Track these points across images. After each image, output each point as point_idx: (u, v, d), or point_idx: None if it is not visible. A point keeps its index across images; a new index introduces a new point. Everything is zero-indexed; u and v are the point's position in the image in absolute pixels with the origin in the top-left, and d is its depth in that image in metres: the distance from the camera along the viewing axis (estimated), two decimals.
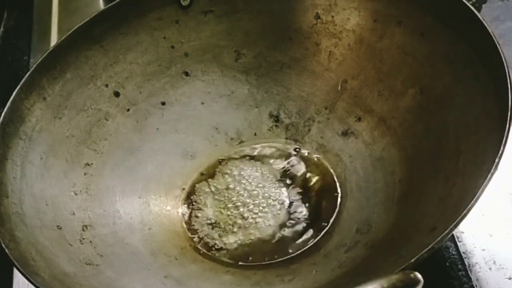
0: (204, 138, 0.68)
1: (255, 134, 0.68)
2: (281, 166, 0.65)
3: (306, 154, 0.65)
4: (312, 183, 0.62)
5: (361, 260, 0.53)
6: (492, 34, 0.50)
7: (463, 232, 0.58)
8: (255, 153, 0.67)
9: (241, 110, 0.68)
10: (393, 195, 0.56)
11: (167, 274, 0.56)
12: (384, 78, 0.61)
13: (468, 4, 0.52)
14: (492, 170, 0.42)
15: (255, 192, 0.63)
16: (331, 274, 0.53)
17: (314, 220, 0.59)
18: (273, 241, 0.59)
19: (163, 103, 0.67)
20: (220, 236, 0.61)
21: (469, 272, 0.55)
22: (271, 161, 0.65)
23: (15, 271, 0.64)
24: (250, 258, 0.58)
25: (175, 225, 0.62)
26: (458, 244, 0.57)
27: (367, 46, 0.63)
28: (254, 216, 0.61)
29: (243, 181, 0.64)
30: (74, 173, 0.60)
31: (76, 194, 0.59)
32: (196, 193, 0.65)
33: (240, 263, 0.58)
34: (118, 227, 0.60)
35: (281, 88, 0.67)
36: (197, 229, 0.62)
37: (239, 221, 0.61)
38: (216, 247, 0.60)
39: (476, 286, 0.55)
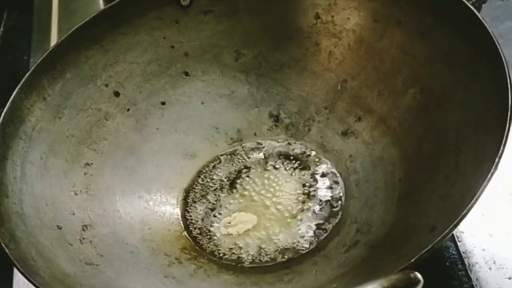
0: (204, 138, 0.68)
1: (255, 134, 0.68)
2: (283, 167, 0.65)
3: (307, 154, 0.65)
4: (312, 182, 0.63)
5: (361, 260, 0.53)
6: (492, 34, 0.50)
7: (463, 232, 0.58)
8: (255, 153, 0.67)
9: (241, 110, 0.68)
10: (393, 194, 0.56)
11: (167, 274, 0.57)
12: (384, 78, 0.61)
13: (468, 4, 0.52)
14: (492, 170, 0.42)
15: (255, 191, 0.63)
16: (331, 274, 0.53)
17: (315, 220, 0.59)
18: (274, 241, 0.59)
19: (163, 103, 0.67)
20: (220, 235, 0.60)
21: (469, 272, 0.55)
22: (272, 161, 0.65)
23: (15, 271, 0.64)
24: (250, 258, 0.58)
25: (175, 225, 0.63)
26: (458, 244, 0.57)
27: (367, 46, 0.63)
28: (255, 215, 0.61)
29: (243, 181, 0.64)
30: (74, 173, 0.60)
31: (76, 194, 0.59)
32: (196, 193, 0.65)
33: (240, 263, 0.58)
34: (118, 227, 0.60)
35: (281, 88, 0.67)
36: (197, 229, 0.62)
37: (239, 221, 0.61)
38: (216, 246, 0.60)
39: (476, 286, 0.55)
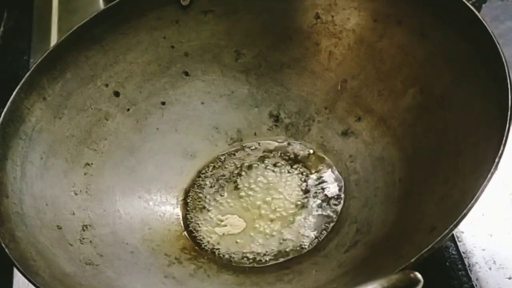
0: (204, 138, 0.68)
1: (255, 134, 0.68)
2: (283, 167, 0.65)
3: (307, 154, 0.65)
4: (312, 183, 0.63)
5: (361, 260, 0.53)
6: (492, 34, 0.50)
7: (463, 232, 0.58)
8: (256, 153, 0.67)
9: (241, 110, 0.68)
10: (393, 194, 0.56)
11: (167, 274, 0.57)
12: (384, 78, 0.61)
13: (468, 4, 0.52)
14: (492, 170, 0.42)
15: (254, 192, 0.63)
16: (331, 274, 0.53)
17: (315, 220, 0.59)
18: (274, 240, 0.59)
19: (163, 103, 0.67)
20: (219, 235, 0.61)
21: (469, 272, 0.55)
22: (272, 161, 0.65)
23: (15, 271, 0.64)
24: (250, 258, 0.58)
25: (175, 225, 0.63)
26: (458, 244, 0.57)
27: (367, 46, 0.63)
28: (255, 215, 0.61)
29: (243, 181, 0.64)
30: (74, 173, 0.60)
31: (76, 194, 0.59)
32: (196, 193, 0.65)
33: (240, 263, 0.58)
34: (118, 227, 0.60)
35: (281, 88, 0.67)
36: (197, 229, 0.62)
37: (240, 221, 0.61)
38: (216, 247, 0.60)
39: (476, 286, 0.55)
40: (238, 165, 0.66)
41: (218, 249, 0.60)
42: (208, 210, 0.63)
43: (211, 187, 0.65)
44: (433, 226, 0.46)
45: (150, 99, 0.67)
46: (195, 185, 0.65)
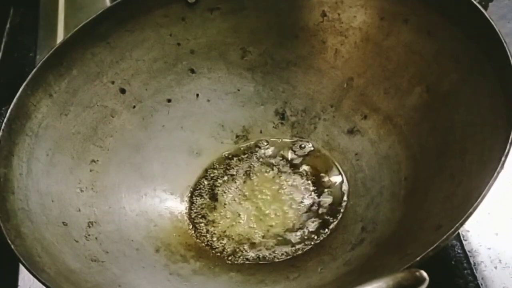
0: (210, 136, 0.68)
1: (261, 132, 0.68)
2: (288, 165, 0.65)
3: (313, 152, 0.65)
4: (317, 181, 0.62)
5: (367, 258, 0.53)
6: (499, 33, 0.50)
7: (468, 231, 0.58)
8: (261, 151, 0.67)
9: (247, 107, 0.68)
10: (399, 193, 0.56)
11: (172, 271, 0.57)
12: (390, 76, 0.61)
13: (475, 3, 0.52)
14: (498, 169, 0.42)
15: (259, 189, 0.63)
16: (336, 272, 0.53)
17: (320, 218, 0.59)
18: (279, 238, 0.59)
19: (169, 100, 0.67)
20: (225, 233, 0.61)
21: (474, 270, 0.55)
22: (278, 159, 0.65)
23: (21, 267, 0.65)
24: (255, 256, 0.58)
25: (180, 222, 0.63)
26: (464, 242, 0.57)
27: (373, 44, 0.63)
28: (260, 213, 0.61)
29: (248, 178, 0.64)
30: (80, 170, 0.61)
31: (82, 191, 0.59)
32: (201, 190, 0.65)
33: (245, 260, 0.58)
34: (123, 224, 0.60)
35: (287, 85, 0.67)
36: (202, 227, 0.62)
37: (245, 219, 0.61)
38: (221, 244, 0.60)
39: (481, 284, 0.55)
40: (244, 163, 0.66)
41: (223, 246, 0.60)
42: (213, 208, 0.63)
43: (216, 184, 0.65)
44: (439, 224, 0.46)
45: (156, 96, 0.67)
46: (201, 183, 0.65)
